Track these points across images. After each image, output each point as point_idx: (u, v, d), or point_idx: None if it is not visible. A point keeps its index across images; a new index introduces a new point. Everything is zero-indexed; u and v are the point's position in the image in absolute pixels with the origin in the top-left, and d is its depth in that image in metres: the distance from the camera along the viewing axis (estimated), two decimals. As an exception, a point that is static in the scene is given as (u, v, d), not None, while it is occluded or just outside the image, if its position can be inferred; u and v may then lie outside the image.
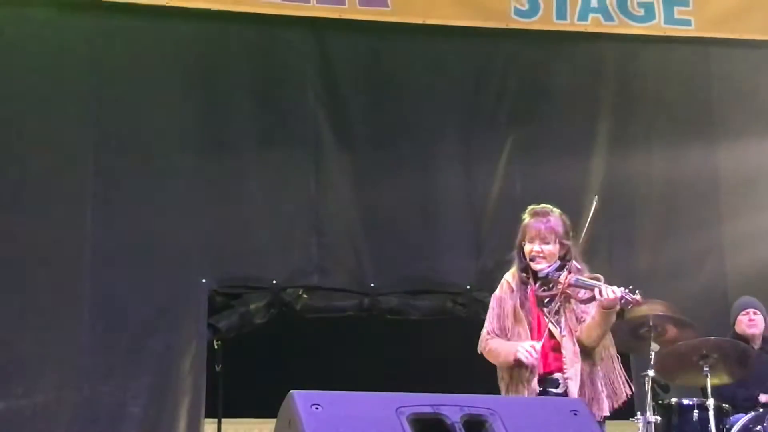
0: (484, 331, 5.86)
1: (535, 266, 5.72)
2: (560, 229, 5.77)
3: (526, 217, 5.87)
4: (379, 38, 8.42)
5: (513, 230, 8.13)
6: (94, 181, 7.87)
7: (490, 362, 5.87)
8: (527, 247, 5.77)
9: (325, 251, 8.14)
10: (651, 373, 6.79)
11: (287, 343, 8.36)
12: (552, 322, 5.66)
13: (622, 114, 8.67)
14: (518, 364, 5.63)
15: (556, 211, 5.86)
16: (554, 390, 5.62)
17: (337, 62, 8.36)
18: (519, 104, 8.53)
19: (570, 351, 5.63)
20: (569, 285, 5.58)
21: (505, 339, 5.75)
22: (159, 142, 8.01)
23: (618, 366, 5.81)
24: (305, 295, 8.11)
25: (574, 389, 5.57)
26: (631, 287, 5.53)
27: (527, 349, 5.57)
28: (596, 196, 5.97)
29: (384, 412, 4.26)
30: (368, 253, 8.20)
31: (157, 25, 8.13)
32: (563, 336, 5.65)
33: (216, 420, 7.85)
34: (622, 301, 5.52)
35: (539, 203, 5.98)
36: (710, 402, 6.85)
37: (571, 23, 8.59)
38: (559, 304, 5.65)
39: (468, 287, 8.26)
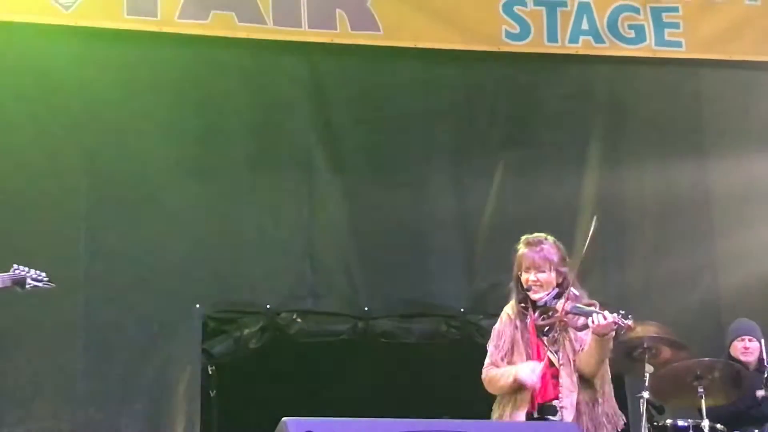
0: (486, 362, 5.85)
1: (532, 296, 5.72)
2: (555, 256, 5.77)
3: (521, 247, 5.87)
4: (371, 62, 8.44)
5: (506, 252, 8.13)
6: (87, 206, 7.86)
7: (482, 385, 5.88)
8: (523, 277, 5.77)
9: (318, 275, 8.15)
10: (645, 394, 6.79)
11: (281, 368, 8.34)
12: (551, 351, 5.67)
13: (614, 135, 8.69)
14: (518, 386, 5.63)
15: (550, 238, 5.86)
16: (553, 418, 5.61)
17: (330, 86, 8.37)
18: (511, 127, 8.55)
19: (567, 380, 5.63)
20: (566, 313, 5.58)
21: (503, 364, 5.75)
22: (153, 168, 8.01)
23: (613, 399, 5.80)
24: (299, 320, 8.10)
25: (568, 418, 5.56)
26: (623, 312, 5.52)
27: (531, 369, 5.57)
28: (595, 217, 5.93)
29: (378, 439, 4.26)
30: (362, 276, 8.20)
31: (151, 50, 8.14)
32: (561, 365, 5.65)
33: (211, 445, 7.85)
34: (615, 327, 5.52)
35: (532, 230, 5.98)
36: (705, 423, 6.85)
37: (562, 45, 8.61)
38: (556, 332, 5.65)
39: (462, 310, 8.27)
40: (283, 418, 4.36)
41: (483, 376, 5.84)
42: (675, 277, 8.56)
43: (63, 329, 7.57)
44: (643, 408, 6.74)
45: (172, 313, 7.86)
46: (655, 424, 6.94)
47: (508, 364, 5.73)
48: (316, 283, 8.13)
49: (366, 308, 8.17)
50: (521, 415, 5.62)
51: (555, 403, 5.64)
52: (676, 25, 8.75)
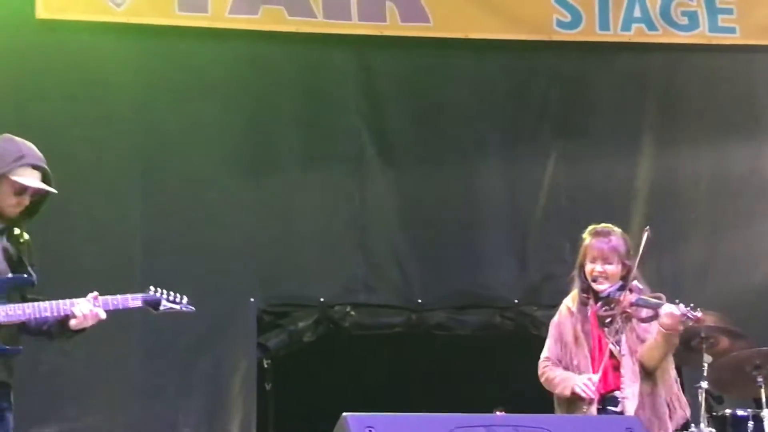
0: (543, 356, 5.89)
1: (596, 287, 5.71)
2: (622, 249, 5.77)
3: (587, 237, 5.86)
4: (421, 54, 8.41)
5: (559, 243, 8.24)
6: (142, 204, 7.92)
7: (536, 377, 5.89)
8: (588, 267, 5.76)
9: (371, 268, 8.16)
10: (704, 384, 6.72)
11: (336, 360, 8.37)
12: (612, 342, 5.65)
13: (668, 123, 8.62)
14: (575, 396, 5.62)
15: (617, 230, 5.86)
16: (613, 408, 5.62)
17: (380, 79, 8.36)
18: (563, 116, 8.50)
19: (629, 370, 5.63)
20: (630, 304, 5.57)
21: (565, 364, 5.74)
22: (206, 163, 8.05)
23: (677, 388, 5.78)
24: (353, 312, 8.12)
25: (630, 409, 5.56)
26: (692, 305, 5.49)
27: (585, 383, 5.56)
28: (647, 227, 5.84)
29: (438, 434, 4.26)
30: (414, 268, 8.20)
31: (201, 46, 8.16)
32: (623, 355, 5.65)
33: (267, 438, 7.90)
34: (684, 320, 5.49)
35: (585, 220, 5.98)
36: (765, 413, 6.78)
37: (615, 33, 8.53)
38: (618, 323, 5.64)
39: (515, 301, 8.26)
40: (343, 414, 4.36)
41: (540, 371, 5.87)
42: (731, 264, 8.49)
43: (120, 324, 7.58)
44: (701, 398, 6.67)
45: (226, 307, 7.89)
46: (714, 414, 6.87)
47: (568, 360, 5.71)
48: (369, 275, 8.14)
49: (419, 300, 8.17)
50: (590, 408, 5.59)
51: (617, 393, 5.63)
52: (729, 11, 8.65)
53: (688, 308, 5.49)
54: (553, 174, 8.41)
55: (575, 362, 5.75)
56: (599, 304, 5.69)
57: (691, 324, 5.69)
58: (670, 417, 5.71)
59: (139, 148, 7.98)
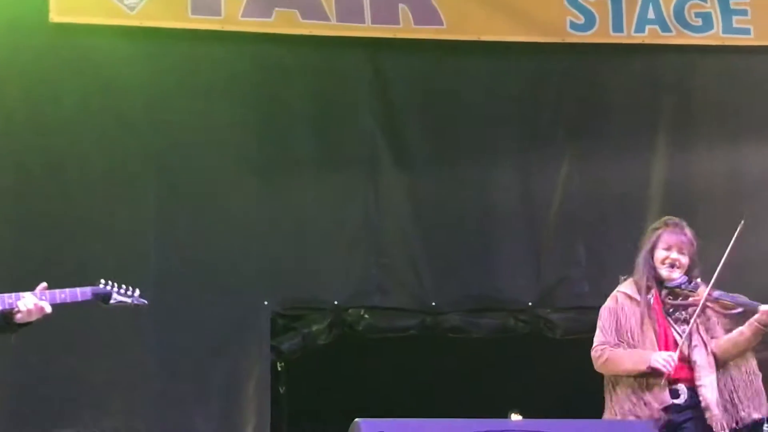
0: (596, 343, 5.93)
1: (670, 274, 5.80)
2: (694, 243, 5.96)
3: (660, 226, 6.04)
4: (435, 56, 8.39)
5: (574, 245, 8.23)
6: (155, 206, 7.92)
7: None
8: (661, 254, 5.90)
9: (385, 271, 8.13)
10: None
11: (350, 364, 8.37)
12: (677, 332, 5.72)
13: (682, 125, 8.57)
14: (650, 372, 5.66)
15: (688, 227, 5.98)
16: (676, 401, 5.68)
17: (393, 81, 8.34)
18: (577, 118, 8.46)
19: (704, 361, 5.74)
20: (714, 299, 5.67)
21: (624, 345, 5.80)
22: (218, 167, 8.05)
23: (759, 382, 5.91)
24: (367, 315, 8.10)
25: (712, 397, 5.66)
26: None
27: (665, 359, 5.64)
28: (743, 220, 5.95)
29: (454, 439, 4.24)
30: (428, 271, 8.17)
31: (214, 49, 8.16)
32: (695, 346, 5.73)
33: (281, 442, 7.90)
34: None
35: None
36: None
37: (628, 35, 8.50)
38: (683, 314, 5.72)
39: (530, 304, 8.21)
40: (356, 419, 4.36)
41: (597, 354, 5.90)
42: (747, 265, 8.42)
43: (134, 329, 7.63)
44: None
45: (240, 310, 7.89)
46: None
47: (630, 345, 5.72)
48: (383, 278, 8.12)
49: (434, 303, 8.14)
50: (662, 397, 5.64)
51: (680, 386, 5.70)
52: (744, 12, 8.61)
53: None
54: (567, 176, 8.37)
55: (640, 347, 5.80)
56: (665, 292, 5.78)
57: None
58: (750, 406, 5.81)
59: (152, 151, 7.97)
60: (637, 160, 8.46)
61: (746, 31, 8.62)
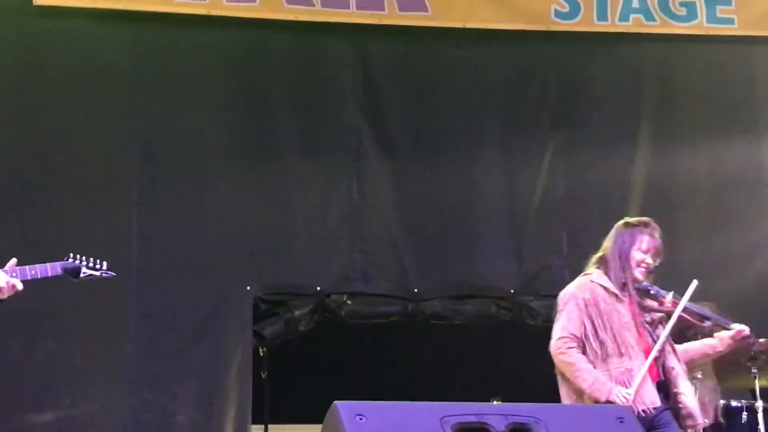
0: (562, 333, 5.71)
1: (644, 278, 5.77)
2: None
3: (639, 226, 5.89)
4: (420, 43, 8.40)
5: (556, 234, 8.26)
6: (138, 191, 7.91)
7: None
8: (639, 256, 5.79)
9: (368, 257, 8.15)
10: (699, 375, 6.75)
11: (332, 349, 8.38)
12: (652, 337, 5.70)
13: (665, 114, 8.61)
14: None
15: None
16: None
17: (377, 68, 8.35)
18: (561, 107, 8.49)
19: (680, 368, 5.76)
20: (686, 309, 5.67)
21: (594, 341, 5.67)
22: (201, 151, 8.05)
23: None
24: (349, 302, 8.11)
25: (693, 405, 5.71)
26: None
27: (625, 396, 5.49)
28: (695, 281, 5.90)
29: (428, 422, 4.28)
30: (411, 258, 8.19)
31: (198, 34, 8.16)
32: (669, 353, 5.76)
33: (263, 426, 7.90)
34: (749, 340, 5.74)
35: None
36: (759, 404, 6.81)
37: (612, 24, 8.53)
38: (657, 320, 5.73)
39: (512, 291, 8.24)
40: (334, 402, 4.37)
41: (558, 348, 5.70)
42: (728, 256, 8.48)
43: (116, 313, 7.64)
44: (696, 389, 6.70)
45: (223, 295, 7.90)
46: (709, 405, 6.90)
47: (604, 337, 5.65)
48: (365, 265, 8.13)
49: (416, 290, 8.16)
50: (647, 387, 5.60)
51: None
52: (727, 2, 8.64)
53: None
54: (550, 164, 8.40)
55: (618, 342, 5.66)
56: (640, 294, 5.74)
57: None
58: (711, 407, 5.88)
59: (136, 135, 7.97)
60: (620, 148, 8.49)
61: (730, 21, 8.66)
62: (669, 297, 5.76)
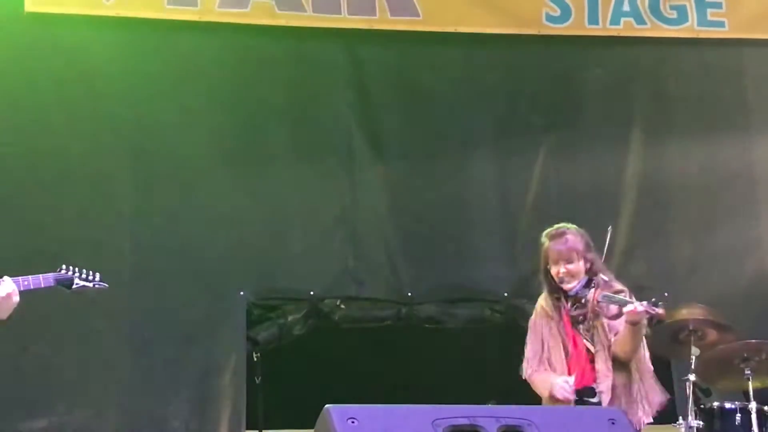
0: (524, 357, 6.05)
1: (565, 286, 5.80)
2: (580, 245, 5.91)
3: (545, 241, 6.03)
4: (411, 48, 8.42)
5: None
6: (131, 196, 7.92)
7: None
8: (553, 270, 5.90)
9: (361, 261, 8.17)
10: (692, 377, 6.76)
11: (326, 354, 8.37)
12: (587, 339, 5.75)
13: (657, 117, 8.64)
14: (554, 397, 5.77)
15: (572, 227, 6.00)
16: (591, 399, 5.73)
17: (369, 73, 8.37)
18: (552, 110, 8.51)
19: (603, 365, 5.78)
20: (597, 302, 5.68)
21: (544, 364, 5.91)
22: (194, 157, 8.05)
23: (652, 378, 5.87)
24: (343, 306, 8.13)
25: (605, 402, 5.66)
26: (653, 299, 5.64)
27: (561, 386, 5.73)
28: (610, 226, 6.02)
29: (420, 425, 4.29)
30: (404, 262, 8.21)
31: (191, 40, 8.17)
32: (597, 351, 5.74)
33: (257, 432, 7.90)
34: (647, 316, 5.62)
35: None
36: (752, 405, 6.80)
37: (603, 27, 8.55)
38: (590, 320, 5.76)
39: (505, 294, 8.26)
40: (326, 405, 4.37)
41: (525, 374, 6.04)
42: (721, 257, 8.51)
43: (110, 319, 7.65)
44: (689, 391, 6.71)
45: (216, 301, 7.91)
46: (702, 406, 6.89)
47: (546, 358, 5.88)
48: (359, 269, 8.15)
49: (409, 294, 8.18)
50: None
51: (594, 386, 5.72)
52: (718, 5, 8.67)
53: (649, 303, 5.60)
54: (542, 167, 8.42)
55: (552, 362, 5.91)
56: (569, 303, 5.83)
57: (654, 321, 5.81)
58: (646, 406, 5.80)
59: (128, 142, 7.98)
60: (611, 151, 8.52)
61: (721, 24, 8.69)
62: (590, 291, 5.79)
